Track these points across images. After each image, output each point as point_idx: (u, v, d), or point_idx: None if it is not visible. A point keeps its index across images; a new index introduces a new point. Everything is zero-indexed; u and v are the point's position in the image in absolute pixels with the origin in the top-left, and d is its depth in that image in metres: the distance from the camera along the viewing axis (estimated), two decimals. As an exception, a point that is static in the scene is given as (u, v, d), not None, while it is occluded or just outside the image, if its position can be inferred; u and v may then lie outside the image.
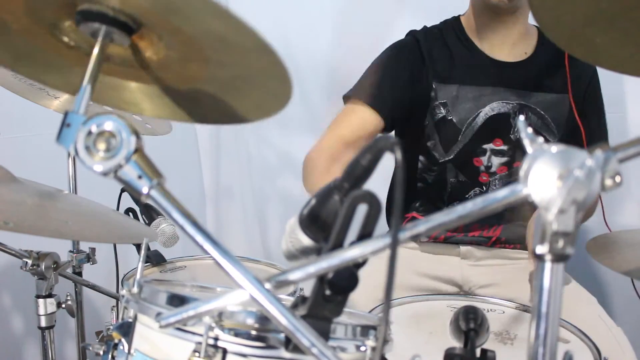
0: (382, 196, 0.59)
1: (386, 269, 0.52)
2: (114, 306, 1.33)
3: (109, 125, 0.56)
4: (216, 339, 0.60)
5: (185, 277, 1.39)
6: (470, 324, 0.75)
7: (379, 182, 0.74)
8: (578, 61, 1.33)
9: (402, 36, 1.49)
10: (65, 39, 0.67)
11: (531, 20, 1.39)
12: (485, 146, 1.40)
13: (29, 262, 1.26)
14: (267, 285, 0.55)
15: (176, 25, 0.59)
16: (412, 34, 1.47)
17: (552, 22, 0.63)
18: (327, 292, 0.56)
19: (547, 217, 0.48)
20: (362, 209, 0.58)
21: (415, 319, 1.11)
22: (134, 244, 1.40)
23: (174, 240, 1.41)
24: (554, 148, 0.49)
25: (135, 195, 0.56)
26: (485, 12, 1.38)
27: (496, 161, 1.41)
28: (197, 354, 0.59)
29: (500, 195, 0.51)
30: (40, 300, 1.30)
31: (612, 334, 1.19)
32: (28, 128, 1.77)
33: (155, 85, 0.72)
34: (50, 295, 1.30)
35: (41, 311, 1.30)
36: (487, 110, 1.39)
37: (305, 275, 0.55)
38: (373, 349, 0.63)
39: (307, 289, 0.59)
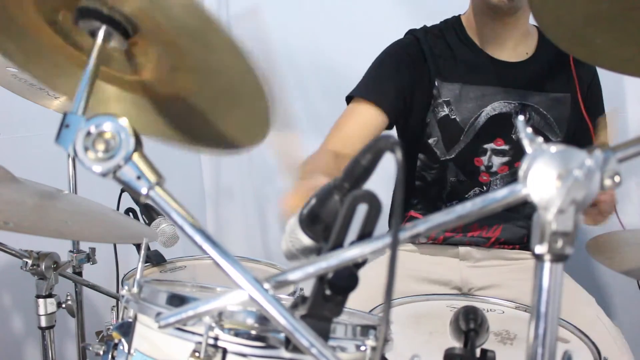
0: (382, 196, 0.59)
1: (386, 269, 0.52)
2: (114, 306, 1.33)
3: (108, 126, 0.56)
4: (216, 338, 0.60)
5: (185, 277, 1.40)
6: (470, 324, 0.75)
7: (379, 182, 0.74)
8: (580, 61, 1.33)
9: (402, 36, 1.49)
10: (71, 38, 0.67)
11: (532, 20, 1.39)
12: (486, 146, 1.40)
13: (29, 262, 1.26)
14: (267, 286, 0.55)
15: (167, 30, 0.60)
16: (411, 32, 1.47)
17: (552, 23, 0.63)
18: (327, 292, 0.56)
19: (546, 217, 0.48)
20: (362, 209, 0.59)
21: (415, 319, 1.11)
22: (134, 244, 1.40)
23: (174, 240, 1.41)
24: (553, 148, 0.49)
25: (135, 196, 0.56)
26: (486, 12, 1.38)
27: (497, 161, 1.41)
28: (197, 354, 0.59)
29: (499, 195, 0.51)
30: (41, 300, 1.30)
31: (610, 334, 1.19)
32: (28, 128, 1.77)
33: (138, 95, 0.72)
34: (50, 295, 1.31)
35: (41, 311, 1.31)
36: (489, 110, 1.39)
37: (305, 275, 0.55)
38: (373, 348, 0.63)
39: (307, 289, 0.59)
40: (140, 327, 0.68)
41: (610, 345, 1.15)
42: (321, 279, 0.56)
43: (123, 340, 0.69)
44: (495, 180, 1.42)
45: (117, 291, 1.53)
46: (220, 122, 0.69)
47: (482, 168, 1.41)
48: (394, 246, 0.53)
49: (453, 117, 1.39)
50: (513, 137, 1.40)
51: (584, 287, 1.37)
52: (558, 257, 0.49)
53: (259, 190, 2.33)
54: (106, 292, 1.54)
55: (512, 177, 1.42)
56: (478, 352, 0.71)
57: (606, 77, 1.48)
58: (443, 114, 1.39)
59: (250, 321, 0.60)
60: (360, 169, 0.62)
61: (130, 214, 1.41)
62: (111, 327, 1.00)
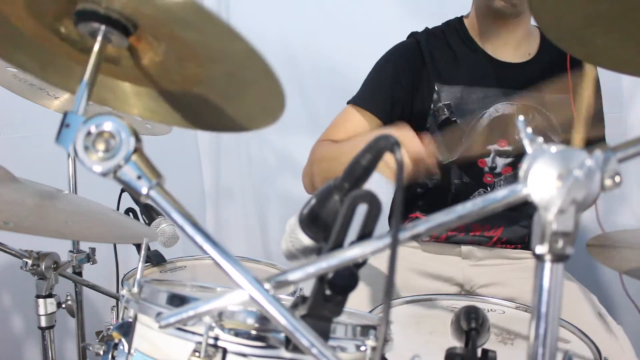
0: (382, 196, 0.59)
1: (386, 269, 0.52)
2: (114, 306, 1.33)
3: (108, 126, 0.56)
4: (216, 338, 0.60)
5: (185, 277, 1.39)
6: (471, 323, 0.75)
7: (379, 182, 0.74)
8: (581, 62, 1.33)
9: (403, 37, 1.49)
10: (79, 44, 0.68)
11: (533, 21, 1.39)
12: (489, 147, 1.40)
13: (29, 262, 1.26)
14: (267, 286, 0.55)
15: (163, 23, 0.60)
16: (413, 35, 1.47)
17: (552, 24, 0.63)
18: (327, 292, 0.56)
19: (546, 217, 0.48)
20: (362, 209, 0.59)
21: (415, 319, 1.11)
22: (134, 244, 1.40)
23: (174, 240, 1.41)
24: (554, 148, 0.49)
25: (135, 196, 0.56)
26: (489, 15, 1.38)
27: (501, 162, 1.41)
28: (197, 354, 0.59)
29: (500, 195, 0.51)
30: (41, 300, 1.30)
31: (613, 332, 1.19)
32: (28, 128, 1.77)
33: (153, 89, 0.73)
34: (50, 295, 1.30)
35: (41, 311, 1.30)
36: (492, 112, 1.39)
37: (305, 275, 0.55)
38: (373, 348, 0.63)
39: (307, 289, 0.59)
40: (140, 327, 0.68)
41: (612, 344, 1.15)
42: (321, 279, 0.56)
43: (123, 340, 0.69)
44: (500, 181, 1.42)
45: (117, 291, 1.53)
46: (236, 103, 0.70)
47: (486, 169, 1.41)
48: (393, 246, 0.53)
49: (454, 119, 1.39)
50: (516, 138, 1.39)
51: (585, 287, 1.37)
52: (559, 257, 0.49)
53: (259, 190, 2.34)
54: (106, 292, 1.54)
55: (516, 178, 1.42)
56: (479, 352, 0.71)
57: (606, 77, 1.48)
58: (444, 117, 1.39)
59: (250, 321, 0.60)
60: (360, 169, 0.62)
61: (130, 214, 1.41)
62: (111, 327, 1.00)
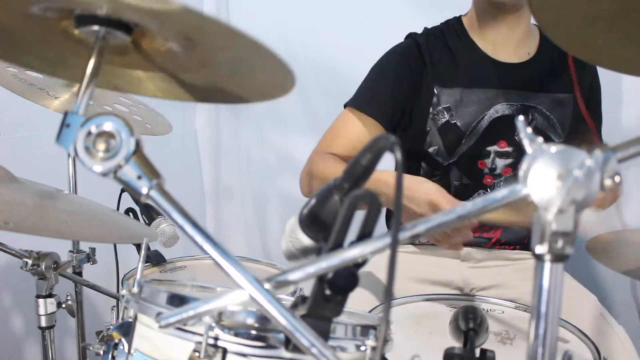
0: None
1: (386, 269, 0.52)
2: (114, 306, 1.33)
3: (108, 126, 0.56)
4: (216, 338, 0.60)
5: (185, 277, 1.40)
6: (469, 323, 0.75)
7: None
8: (581, 61, 1.33)
9: (402, 36, 1.48)
10: (79, 41, 0.68)
11: (533, 21, 1.39)
12: (489, 148, 1.40)
13: (29, 262, 1.26)
14: (267, 285, 0.55)
15: (169, 29, 0.60)
16: (412, 36, 1.46)
17: (552, 23, 0.63)
18: (327, 292, 0.56)
19: (546, 217, 0.48)
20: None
21: (415, 319, 1.11)
22: (134, 244, 1.40)
23: (174, 240, 1.41)
24: (553, 148, 0.49)
25: (135, 196, 0.56)
26: (489, 10, 1.37)
27: (501, 163, 1.40)
28: (197, 354, 0.59)
29: (500, 196, 0.51)
30: (41, 300, 1.30)
31: (614, 331, 1.19)
32: (28, 128, 1.77)
33: (173, 74, 0.73)
34: (50, 295, 1.30)
35: (41, 311, 1.31)
36: (492, 113, 1.38)
37: (305, 275, 0.55)
38: (373, 348, 0.63)
39: (307, 289, 0.59)
40: (140, 327, 0.68)
41: (614, 343, 1.15)
42: (321, 279, 0.56)
43: (123, 340, 0.69)
44: (500, 182, 1.42)
45: (117, 291, 1.53)
46: (248, 80, 0.71)
47: (486, 170, 1.41)
48: (393, 246, 0.53)
49: (454, 122, 1.38)
50: (516, 138, 1.39)
51: (584, 287, 1.37)
52: (558, 257, 0.49)
53: (258, 190, 2.34)
54: (106, 292, 1.53)
55: (516, 178, 1.41)
56: (477, 352, 0.71)
57: (606, 77, 1.48)
58: (444, 120, 1.38)
59: (250, 321, 0.60)
60: (360, 169, 0.62)
61: (130, 214, 1.41)
62: (111, 327, 1.00)
